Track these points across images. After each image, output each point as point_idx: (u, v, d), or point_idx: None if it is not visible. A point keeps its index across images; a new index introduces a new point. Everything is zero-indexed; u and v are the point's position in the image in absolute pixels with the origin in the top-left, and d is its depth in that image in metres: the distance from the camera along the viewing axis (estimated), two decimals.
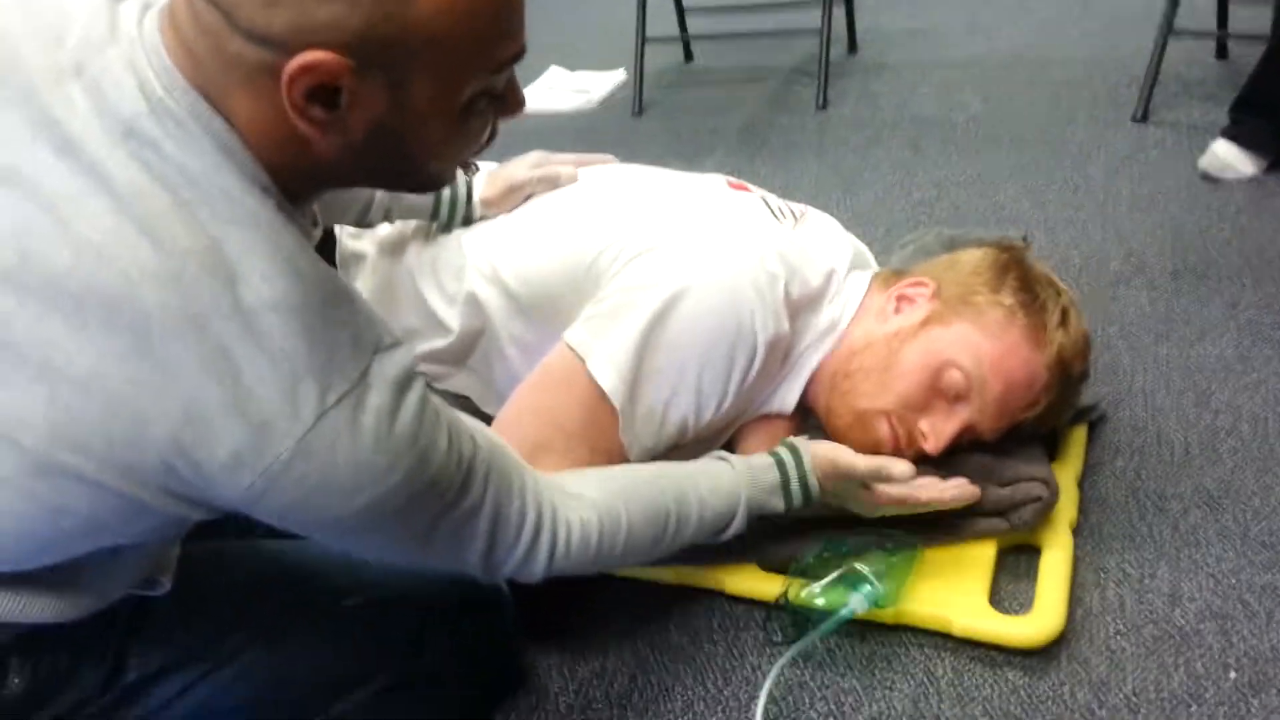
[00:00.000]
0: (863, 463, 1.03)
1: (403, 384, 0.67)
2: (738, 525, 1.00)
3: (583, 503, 0.86)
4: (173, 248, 0.60)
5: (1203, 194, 1.85)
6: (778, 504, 1.02)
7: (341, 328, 0.64)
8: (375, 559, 0.80)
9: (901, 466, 1.03)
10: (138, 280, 0.59)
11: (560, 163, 1.19)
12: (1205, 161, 1.90)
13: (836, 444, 1.06)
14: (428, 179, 0.74)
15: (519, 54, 0.67)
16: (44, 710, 0.77)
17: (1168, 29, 2.17)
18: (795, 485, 1.02)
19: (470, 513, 0.74)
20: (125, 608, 0.80)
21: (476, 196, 1.16)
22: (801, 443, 1.05)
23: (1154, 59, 2.18)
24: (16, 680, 0.75)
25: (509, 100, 0.70)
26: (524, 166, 1.17)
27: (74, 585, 0.73)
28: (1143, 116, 2.18)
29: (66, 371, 0.60)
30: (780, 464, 1.03)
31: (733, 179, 1.21)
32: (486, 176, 1.17)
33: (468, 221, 1.17)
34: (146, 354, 0.60)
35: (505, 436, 1.01)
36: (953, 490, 1.05)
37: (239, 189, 0.63)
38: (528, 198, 1.17)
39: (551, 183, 1.17)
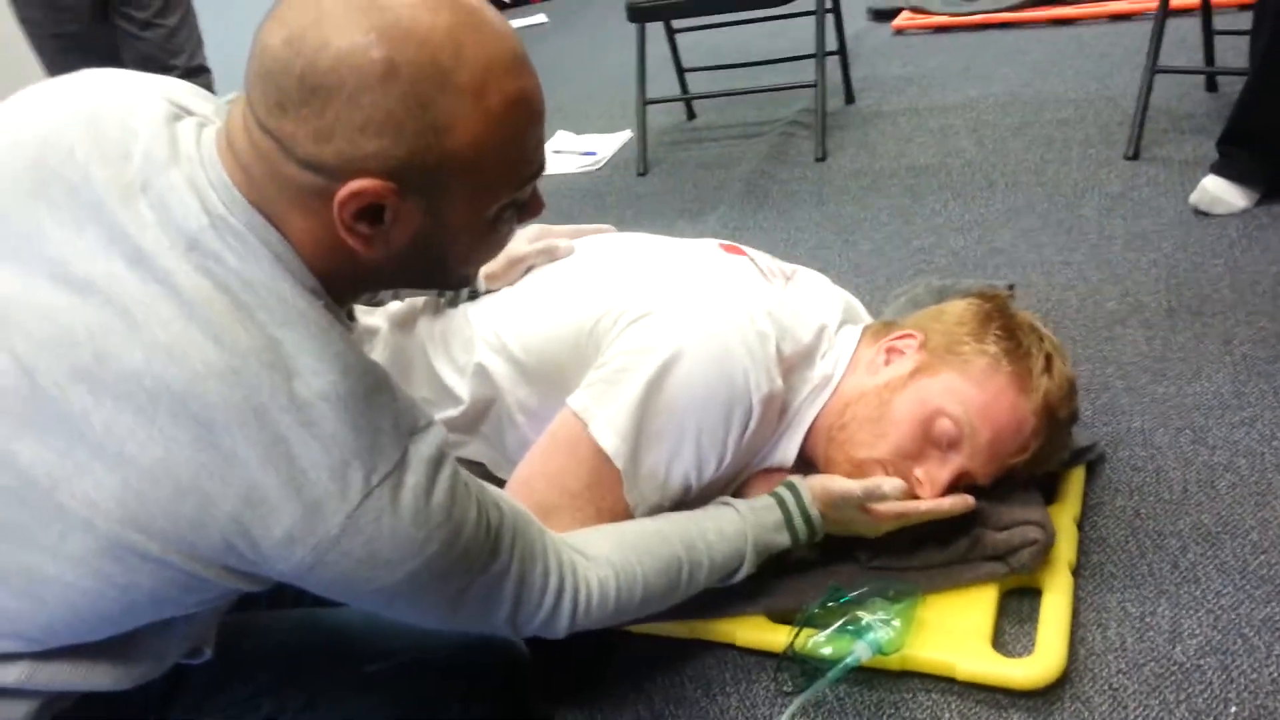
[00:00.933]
0: (856, 485, 1.09)
1: (436, 462, 0.73)
2: (748, 566, 1.06)
3: (599, 563, 0.92)
4: (235, 348, 0.66)
5: (1195, 229, 1.88)
6: (783, 540, 1.09)
7: (383, 414, 0.70)
8: (408, 623, 0.84)
9: (893, 483, 1.08)
10: (204, 376, 0.65)
11: (558, 234, 1.25)
12: (1196, 197, 1.93)
13: (830, 474, 1.12)
14: (457, 281, 0.82)
15: (540, 171, 0.74)
16: None
17: (1153, 66, 2.22)
18: (798, 520, 1.09)
19: (498, 577, 0.80)
20: (162, 676, 0.84)
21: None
22: (799, 480, 1.12)
23: (1142, 96, 2.23)
24: None
25: (531, 206, 0.77)
26: (524, 240, 1.22)
27: (131, 654, 0.77)
28: (1134, 154, 2.22)
29: (138, 460, 0.66)
30: (781, 502, 1.09)
31: (725, 242, 1.25)
32: None
33: (473, 295, 1.22)
34: (211, 443, 0.66)
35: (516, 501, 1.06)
36: (949, 500, 1.10)
37: (292, 294, 0.69)
38: (528, 270, 1.23)
39: (550, 255, 1.22)
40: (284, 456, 0.66)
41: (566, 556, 0.88)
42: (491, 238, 0.76)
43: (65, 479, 0.66)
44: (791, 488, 1.10)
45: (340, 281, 0.73)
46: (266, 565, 0.69)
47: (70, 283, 0.67)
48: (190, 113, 0.75)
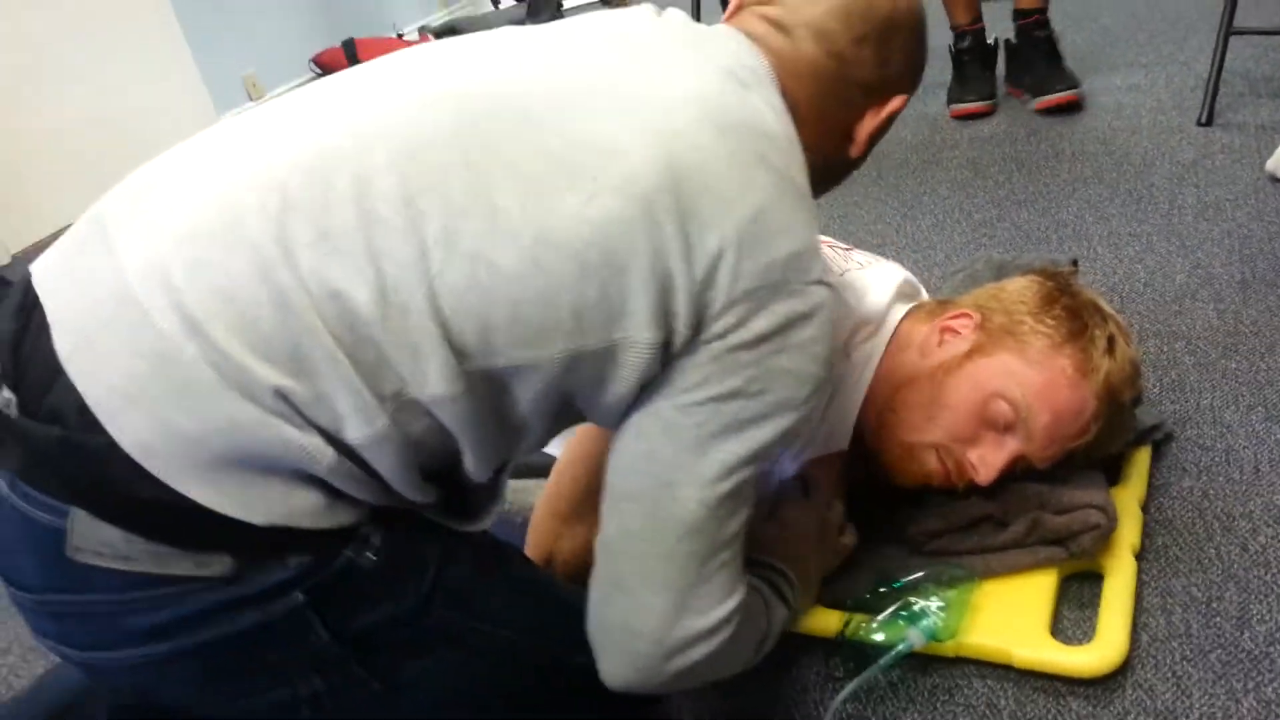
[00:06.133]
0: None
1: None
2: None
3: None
4: (738, 137, 0.77)
5: (1272, 197, 1.80)
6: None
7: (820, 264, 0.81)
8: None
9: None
10: (699, 165, 0.74)
11: None
12: (1273, 164, 1.85)
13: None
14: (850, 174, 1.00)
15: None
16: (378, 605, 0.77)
17: (1228, 27, 2.13)
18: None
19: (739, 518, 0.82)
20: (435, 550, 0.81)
21: None
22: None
23: (1215, 59, 2.14)
24: (371, 555, 0.76)
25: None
26: None
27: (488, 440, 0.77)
28: (1207, 120, 2.13)
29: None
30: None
31: None
32: None
33: None
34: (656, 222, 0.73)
35: (561, 482, 1.06)
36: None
37: (788, 139, 0.82)
38: None
39: None
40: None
41: None
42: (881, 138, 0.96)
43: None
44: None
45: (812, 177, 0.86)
46: (708, 275, 0.73)
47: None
48: None
